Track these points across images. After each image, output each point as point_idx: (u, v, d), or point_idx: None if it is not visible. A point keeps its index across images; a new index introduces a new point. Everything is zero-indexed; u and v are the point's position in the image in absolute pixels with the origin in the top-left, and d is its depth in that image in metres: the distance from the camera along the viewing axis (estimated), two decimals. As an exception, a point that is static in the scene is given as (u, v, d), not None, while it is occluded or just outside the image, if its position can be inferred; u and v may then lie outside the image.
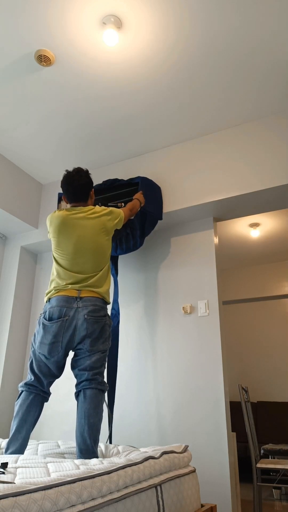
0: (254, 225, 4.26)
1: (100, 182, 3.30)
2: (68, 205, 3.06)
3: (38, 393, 2.04)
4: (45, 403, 3.07)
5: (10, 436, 1.95)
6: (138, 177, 2.89)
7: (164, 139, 3.01)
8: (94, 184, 3.33)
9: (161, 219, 2.87)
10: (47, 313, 2.08)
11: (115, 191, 2.99)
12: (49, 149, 3.14)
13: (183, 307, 2.80)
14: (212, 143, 2.91)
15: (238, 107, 2.69)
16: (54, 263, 2.25)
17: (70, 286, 2.12)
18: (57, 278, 2.17)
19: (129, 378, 2.83)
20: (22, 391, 2.04)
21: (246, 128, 2.81)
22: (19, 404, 2.01)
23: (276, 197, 2.72)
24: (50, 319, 2.06)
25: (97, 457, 1.87)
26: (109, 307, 3.09)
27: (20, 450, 1.93)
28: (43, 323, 2.08)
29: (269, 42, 2.22)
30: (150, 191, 2.84)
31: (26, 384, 2.05)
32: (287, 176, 2.56)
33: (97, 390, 1.98)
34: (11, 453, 1.90)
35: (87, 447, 1.85)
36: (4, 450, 1.96)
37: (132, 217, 2.79)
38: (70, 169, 3.37)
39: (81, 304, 2.07)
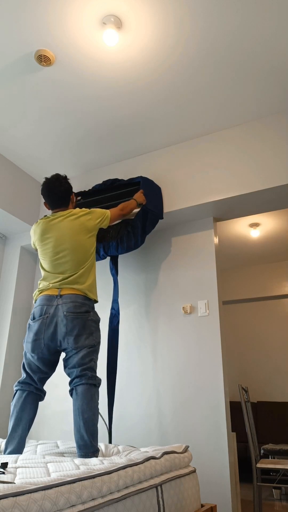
0: (254, 225, 4.26)
1: (100, 182, 3.30)
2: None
3: (31, 390, 2.08)
4: (44, 403, 3.07)
5: (8, 436, 1.98)
6: (139, 177, 2.89)
7: (164, 139, 3.01)
8: (94, 184, 3.34)
9: (162, 218, 2.87)
10: (32, 313, 2.17)
11: (115, 191, 2.99)
12: (49, 149, 3.14)
13: (183, 307, 2.80)
14: (212, 143, 2.91)
15: (238, 107, 2.69)
16: (40, 268, 2.34)
17: (51, 285, 2.17)
18: (42, 281, 2.25)
19: (129, 378, 2.83)
20: (17, 391, 2.09)
21: (246, 128, 2.81)
22: (14, 404, 2.05)
23: (276, 197, 2.72)
24: (33, 318, 2.14)
25: (97, 450, 1.88)
26: (107, 307, 3.09)
27: (18, 449, 1.94)
28: (28, 323, 2.17)
29: (269, 41, 2.22)
30: (151, 190, 2.84)
31: (19, 382, 2.11)
32: (287, 176, 2.56)
33: (88, 385, 1.99)
34: (9, 453, 1.91)
35: (85, 442, 1.87)
36: (3, 450, 1.97)
37: (130, 216, 2.79)
38: (72, 169, 3.37)
39: (61, 302, 2.10)
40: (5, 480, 1.11)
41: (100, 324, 3.09)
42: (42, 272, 2.29)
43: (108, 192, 3.01)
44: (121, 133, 2.96)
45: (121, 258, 3.23)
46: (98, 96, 2.63)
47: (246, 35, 2.19)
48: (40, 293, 2.20)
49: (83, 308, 2.12)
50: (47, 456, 1.80)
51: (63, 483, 1.12)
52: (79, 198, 3.13)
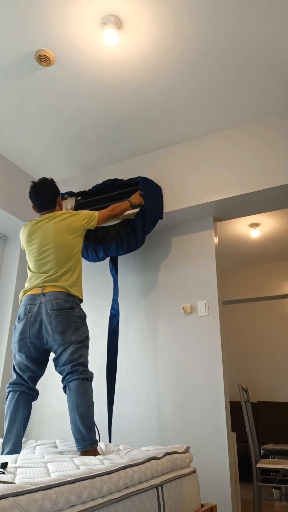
0: (254, 225, 4.26)
1: (100, 182, 3.30)
2: (69, 205, 3.07)
3: (23, 390, 2.09)
4: (44, 403, 3.07)
5: (3, 437, 1.99)
6: (138, 177, 2.89)
7: (164, 139, 3.01)
8: (94, 184, 3.34)
9: (161, 218, 2.87)
10: (18, 315, 2.18)
11: (115, 191, 2.99)
12: (49, 149, 3.14)
13: (183, 307, 2.80)
14: (212, 143, 2.91)
15: (238, 107, 2.69)
16: (27, 269, 2.35)
17: (34, 284, 2.19)
18: (27, 282, 2.27)
19: (129, 378, 2.83)
20: (9, 392, 2.11)
21: (246, 128, 2.81)
22: (6, 405, 2.07)
23: (276, 197, 2.72)
24: (18, 318, 2.16)
25: (95, 442, 1.89)
26: (107, 307, 3.09)
27: (15, 450, 1.95)
28: (15, 325, 2.18)
29: (270, 41, 2.22)
30: (150, 190, 2.84)
31: (10, 383, 2.12)
32: (287, 176, 2.56)
33: (80, 379, 2.00)
34: (6, 454, 1.92)
35: (83, 435, 1.88)
36: (0, 452, 1.98)
37: (127, 217, 2.79)
38: (72, 169, 3.37)
39: (44, 300, 2.12)
40: (5, 480, 1.11)
41: (100, 324, 3.09)
42: (28, 273, 2.31)
43: (108, 192, 3.01)
44: (121, 133, 2.96)
45: (121, 258, 3.23)
46: (98, 96, 2.62)
47: (246, 35, 2.19)
48: (24, 294, 2.22)
49: (67, 305, 2.12)
50: (46, 456, 1.80)
51: (63, 483, 1.12)
52: (79, 198, 3.13)
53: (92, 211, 2.48)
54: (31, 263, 2.30)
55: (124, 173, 3.22)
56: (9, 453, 1.92)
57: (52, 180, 2.48)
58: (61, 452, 2.00)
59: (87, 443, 1.86)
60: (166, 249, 3.07)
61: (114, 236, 2.82)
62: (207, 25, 2.13)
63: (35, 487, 1.04)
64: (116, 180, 3.02)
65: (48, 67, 2.41)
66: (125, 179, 3.18)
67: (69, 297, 2.16)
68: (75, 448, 2.02)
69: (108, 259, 3.26)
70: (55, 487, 1.09)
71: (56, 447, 2.12)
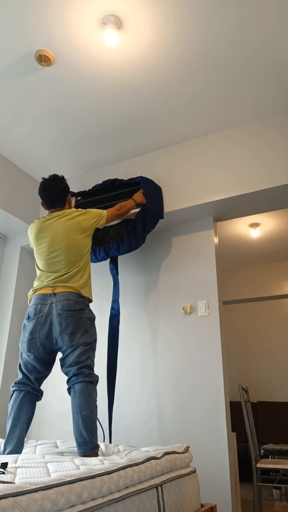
0: (254, 225, 4.26)
1: (100, 182, 3.30)
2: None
3: (28, 390, 2.08)
4: (44, 403, 3.07)
5: (6, 436, 1.98)
6: (139, 177, 2.89)
7: (164, 139, 3.01)
8: (94, 184, 3.34)
9: (162, 217, 2.87)
10: (27, 313, 2.17)
11: (115, 191, 2.99)
12: (49, 148, 3.14)
13: (183, 307, 2.80)
14: (212, 143, 2.91)
15: (238, 107, 2.69)
16: (36, 268, 2.34)
17: (45, 284, 2.18)
18: (37, 280, 2.26)
19: (129, 378, 2.83)
20: (13, 391, 2.10)
21: (246, 128, 2.81)
22: (11, 404, 2.06)
23: (276, 197, 2.72)
24: (28, 317, 2.14)
25: (97, 447, 1.89)
26: (108, 307, 3.09)
27: (17, 449, 1.94)
28: (23, 323, 2.17)
29: (270, 41, 2.22)
30: (151, 190, 2.84)
31: (16, 383, 2.11)
32: (287, 176, 2.56)
33: (85, 382, 1.99)
34: (8, 453, 1.92)
35: (84, 439, 1.87)
36: (2, 451, 1.98)
37: (128, 217, 2.79)
38: (72, 169, 3.37)
39: (54, 300, 2.11)
40: (5, 480, 1.11)
41: (100, 324, 3.09)
42: (37, 272, 2.30)
43: (108, 192, 3.01)
44: (121, 133, 2.96)
45: (121, 258, 3.23)
46: (98, 96, 2.62)
47: (246, 35, 2.19)
48: (34, 293, 2.21)
49: (77, 306, 2.12)
50: (47, 456, 1.80)
51: (63, 483, 1.12)
52: (79, 198, 3.13)
53: (100, 210, 2.47)
54: (40, 262, 2.28)
55: (124, 173, 3.22)
56: (10, 452, 1.92)
57: (62, 177, 2.45)
58: (61, 453, 2.00)
59: (88, 447, 1.86)
60: (166, 249, 3.07)
61: (114, 236, 2.82)
62: (207, 25, 2.13)
63: (35, 487, 1.04)
64: (116, 180, 3.02)
65: (48, 67, 2.41)
66: (125, 179, 3.18)
67: (80, 298, 2.16)
68: (76, 449, 2.02)
69: (108, 259, 3.26)
70: (55, 487, 1.09)
71: (57, 447, 2.12)
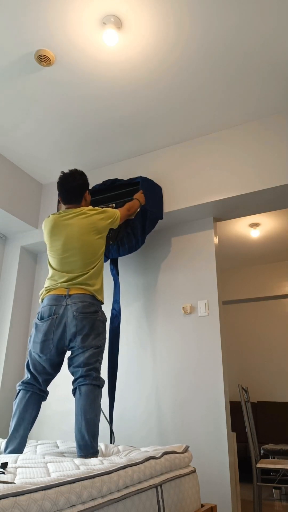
0: (254, 225, 4.26)
1: (100, 182, 3.30)
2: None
3: (35, 391, 2.06)
4: (45, 403, 3.07)
5: (9, 435, 1.97)
6: (139, 177, 2.89)
7: (164, 139, 3.01)
8: (94, 184, 3.33)
9: (161, 218, 2.87)
10: (39, 313, 2.14)
11: (115, 191, 2.98)
12: (49, 148, 3.14)
13: (183, 307, 2.80)
14: (212, 143, 2.91)
15: (238, 107, 2.69)
16: (48, 265, 2.31)
17: (59, 285, 2.15)
18: (49, 279, 2.22)
19: (129, 378, 2.83)
20: (20, 390, 2.07)
21: (246, 128, 2.81)
22: (16, 403, 2.04)
23: (276, 197, 2.72)
24: (41, 318, 2.11)
25: (97, 451, 1.88)
26: (108, 307, 3.09)
27: (19, 449, 1.94)
28: (35, 323, 2.14)
29: (269, 41, 2.22)
30: (151, 190, 2.84)
31: (23, 382, 2.09)
32: (287, 176, 2.56)
33: (92, 385, 1.98)
34: (9, 452, 1.91)
35: (86, 443, 1.86)
36: (3, 449, 1.97)
37: (132, 217, 2.79)
38: (69, 169, 3.37)
39: (70, 302, 2.09)
40: (5, 480, 1.11)
41: (100, 324, 3.09)
42: (50, 270, 2.25)
43: (108, 192, 3.01)
44: (121, 133, 2.96)
45: (121, 259, 3.23)
46: (98, 96, 2.62)
47: (246, 36, 2.19)
48: (47, 292, 2.17)
49: (92, 308, 2.10)
50: (47, 456, 1.80)
51: (63, 483, 1.12)
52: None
53: (115, 210, 2.42)
54: (53, 260, 2.24)
55: (124, 173, 3.22)
56: (12, 451, 1.91)
57: (82, 173, 2.40)
58: (62, 453, 2.00)
59: (88, 451, 1.85)
60: (166, 249, 3.07)
61: (113, 237, 2.82)
62: (207, 25, 2.13)
63: (35, 487, 1.04)
64: (116, 180, 3.02)
65: (48, 67, 2.41)
66: (125, 179, 3.18)
67: (94, 300, 2.15)
68: (75, 449, 2.02)
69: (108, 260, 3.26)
70: (55, 487, 1.09)
71: (57, 447, 2.12)
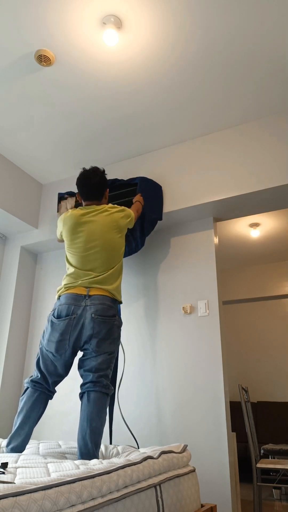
0: (254, 225, 4.26)
1: (100, 182, 3.30)
2: (69, 205, 3.07)
3: (44, 391, 2.04)
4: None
5: (13, 431, 1.95)
6: (138, 178, 2.89)
7: (164, 139, 3.01)
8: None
9: (161, 219, 2.87)
10: (56, 310, 2.09)
11: (115, 191, 2.99)
12: (49, 148, 3.14)
13: (183, 307, 2.80)
14: (212, 143, 2.91)
15: (238, 107, 2.69)
16: (66, 262, 2.28)
17: (79, 283, 2.11)
18: (69, 276, 2.18)
19: (129, 378, 2.83)
20: (28, 388, 2.04)
21: (246, 128, 2.81)
22: (24, 401, 2.00)
23: (276, 197, 2.72)
24: (58, 316, 2.07)
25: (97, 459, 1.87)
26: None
27: (22, 446, 1.93)
28: (51, 321, 2.08)
29: (268, 42, 2.22)
30: (150, 191, 2.84)
31: (32, 380, 2.04)
32: (287, 176, 2.56)
33: (102, 393, 1.96)
34: (12, 448, 1.90)
35: (88, 451, 1.84)
36: (5, 445, 1.95)
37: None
38: (72, 168, 3.38)
39: (89, 303, 2.06)
40: (5, 480, 1.11)
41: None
42: (69, 268, 2.22)
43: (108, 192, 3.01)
44: (121, 133, 2.96)
45: (121, 258, 3.23)
46: (98, 96, 2.63)
47: (245, 37, 2.19)
48: (66, 290, 2.13)
49: (110, 312, 2.08)
50: (47, 456, 1.81)
51: (63, 483, 1.12)
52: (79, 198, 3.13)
53: (130, 210, 2.42)
54: (74, 257, 2.20)
55: (124, 173, 3.22)
56: (15, 448, 1.90)
57: (103, 170, 2.41)
58: (64, 453, 2.00)
59: (90, 459, 1.84)
60: (166, 249, 3.07)
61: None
62: (207, 25, 2.13)
63: (35, 487, 1.04)
64: (116, 180, 3.02)
65: (48, 67, 2.41)
66: (125, 179, 3.18)
67: (114, 302, 2.13)
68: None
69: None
70: (55, 487, 1.09)
71: (60, 446, 2.12)
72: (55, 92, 2.59)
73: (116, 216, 2.28)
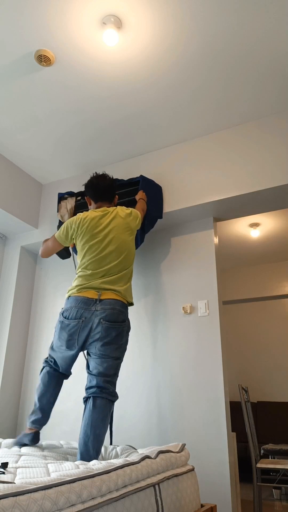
0: (254, 225, 4.27)
1: (100, 182, 3.30)
2: (69, 206, 3.07)
3: (57, 369, 2.18)
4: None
5: (34, 406, 2.11)
6: (140, 176, 2.89)
7: (164, 139, 3.02)
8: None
9: (161, 217, 2.87)
10: (66, 310, 2.13)
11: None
12: (49, 148, 3.14)
13: (183, 307, 2.80)
14: (212, 143, 2.91)
15: (238, 107, 2.70)
16: (79, 263, 2.28)
17: (91, 284, 2.14)
18: (80, 277, 2.20)
19: (129, 378, 2.83)
20: (44, 367, 2.20)
21: (246, 128, 2.81)
22: (40, 377, 2.17)
23: (276, 197, 2.72)
24: (68, 317, 2.11)
25: None
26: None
27: (43, 418, 2.07)
28: (61, 320, 2.14)
29: (268, 42, 2.22)
30: (150, 190, 2.84)
31: (46, 361, 2.20)
32: (287, 176, 2.56)
33: (107, 400, 1.97)
34: (33, 420, 2.05)
35: (90, 458, 1.85)
36: (27, 419, 2.12)
37: None
38: (72, 169, 3.38)
39: (99, 308, 2.07)
40: (5, 480, 1.11)
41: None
42: (82, 269, 2.22)
43: (108, 192, 3.01)
44: (121, 133, 2.96)
45: (121, 258, 3.23)
46: (98, 96, 2.63)
47: (245, 37, 2.19)
48: (78, 292, 2.14)
49: (121, 317, 2.09)
50: (48, 456, 1.81)
51: (62, 482, 1.12)
52: (79, 198, 3.13)
53: (137, 211, 2.48)
54: (87, 259, 2.21)
55: (124, 173, 3.22)
56: (37, 420, 2.03)
57: (112, 176, 2.56)
58: (64, 454, 2.00)
59: None
60: (166, 249, 3.07)
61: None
62: (207, 25, 2.13)
63: (35, 487, 1.04)
64: (116, 180, 3.02)
65: (48, 67, 2.41)
66: (125, 179, 3.18)
67: (124, 307, 2.14)
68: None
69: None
70: (55, 486, 1.09)
71: (61, 447, 2.12)
72: (55, 92, 2.59)
73: (128, 219, 2.34)
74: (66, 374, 2.19)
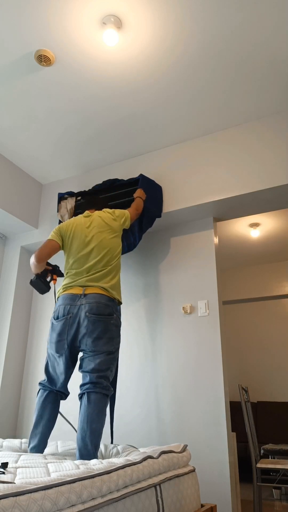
0: (254, 225, 4.26)
1: (100, 182, 3.30)
2: (69, 206, 3.08)
3: (52, 391, 2.11)
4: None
5: (31, 432, 2.04)
6: (140, 175, 2.89)
7: (164, 139, 3.01)
8: (94, 185, 3.34)
9: (159, 216, 2.87)
10: (55, 312, 2.15)
11: (115, 191, 2.99)
12: (49, 149, 3.14)
13: (183, 307, 2.80)
14: (212, 143, 2.91)
15: (238, 107, 2.69)
16: (65, 265, 2.34)
17: (76, 282, 2.17)
18: (67, 278, 2.25)
19: (129, 378, 2.83)
20: (40, 389, 2.15)
21: (246, 128, 2.81)
22: (36, 402, 2.12)
23: (276, 197, 2.72)
24: (56, 317, 2.12)
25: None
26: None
27: (39, 445, 1.98)
28: (52, 322, 2.15)
29: (269, 41, 2.22)
30: (150, 188, 2.84)
31: (40, 383, 2.15)
32: (287, 176, 2.56)
33: (102, 394, 1.97)
34: (31, 448, 1.98)
35: (88, 452, 1.85)
36: (27, 446, 2.06)
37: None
38: (72, 169, 3.38)
39: (84, 301, 2.09)
40: (5, 480, 1.11)
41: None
42: (68, 270, 2.28)
43: (108, 192, 3.01)
44: (121, 133, 2.96)
45: (121, 258, 3.23)
46: (98, 96, 2.63)
47: (246, 36, 2.19)
48: (64, 291, 2.18)
49: (107, 310, 2.09)
50: (48, 456, 1.80)
51: (63, 483, 1.12)
52: (79, 198, 3.13)
53: (124, 210, 2.53)
54: (70, 259, 2.27)
55: (124, 173, 3.22)
56: (34, 447, 1.97)
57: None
58: (63, 454, 2.00)
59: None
60: (166, 249, 3.07)
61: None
62: (207, 25, 2.13)
63: (35, 487, 1.04)
64: (116, 180, 3.02)
65: (48, 67, 2.41)
66: (125, 179, 3.18)
67: (110, 301, 2.14)
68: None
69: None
70: (55, 487, 1.09)
71: (59, 448, 2.12)
72: (55, 92, 2.59)
73: (107, 219, 2.39)
74: (64, 393, 2.12)
